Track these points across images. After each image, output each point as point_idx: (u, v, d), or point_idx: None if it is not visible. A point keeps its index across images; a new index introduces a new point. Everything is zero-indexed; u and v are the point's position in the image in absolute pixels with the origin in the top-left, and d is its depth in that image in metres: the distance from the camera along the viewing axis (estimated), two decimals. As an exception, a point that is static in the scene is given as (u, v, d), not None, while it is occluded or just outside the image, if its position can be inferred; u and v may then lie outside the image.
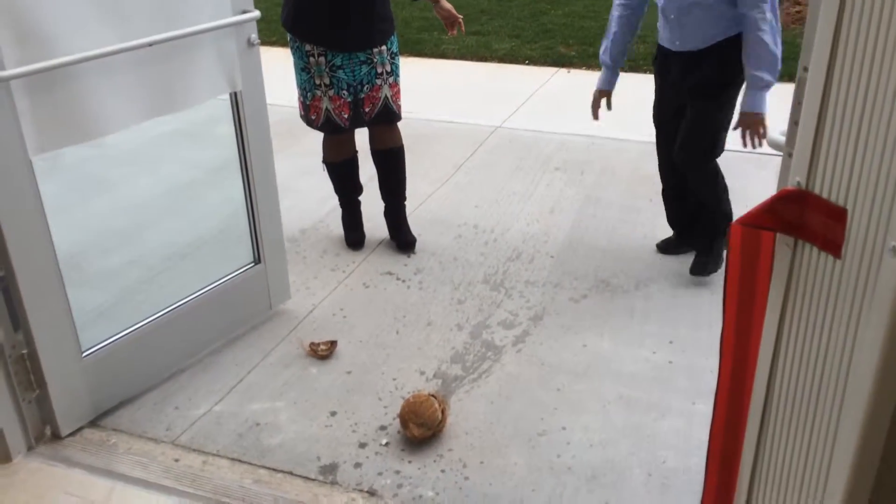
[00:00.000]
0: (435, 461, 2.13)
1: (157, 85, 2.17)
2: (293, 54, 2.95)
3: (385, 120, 3.04)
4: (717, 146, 2.82)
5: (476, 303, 2.88)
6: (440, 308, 2.85)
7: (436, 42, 6.39)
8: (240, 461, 2.14)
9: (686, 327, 2.70)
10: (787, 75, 5.29)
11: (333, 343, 2.60)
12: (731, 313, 1.24)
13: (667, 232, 3.25)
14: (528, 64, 5.95)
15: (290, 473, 2.09)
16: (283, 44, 6.35)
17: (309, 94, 2.96)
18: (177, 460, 2.14)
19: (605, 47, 3.00)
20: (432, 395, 2.21)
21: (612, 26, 2.96)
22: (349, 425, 2.27)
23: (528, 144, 4.39)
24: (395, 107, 3.03)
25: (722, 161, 2.89)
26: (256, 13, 2.36)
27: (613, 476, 2.07)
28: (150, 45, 2.08)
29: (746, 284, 1.21)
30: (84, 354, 2.21)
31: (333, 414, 2.32)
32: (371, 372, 2.50)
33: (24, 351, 2.09)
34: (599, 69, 3.09)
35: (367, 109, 2.98)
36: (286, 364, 2.54)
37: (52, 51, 1.89)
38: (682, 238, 3.17)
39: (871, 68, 1.01)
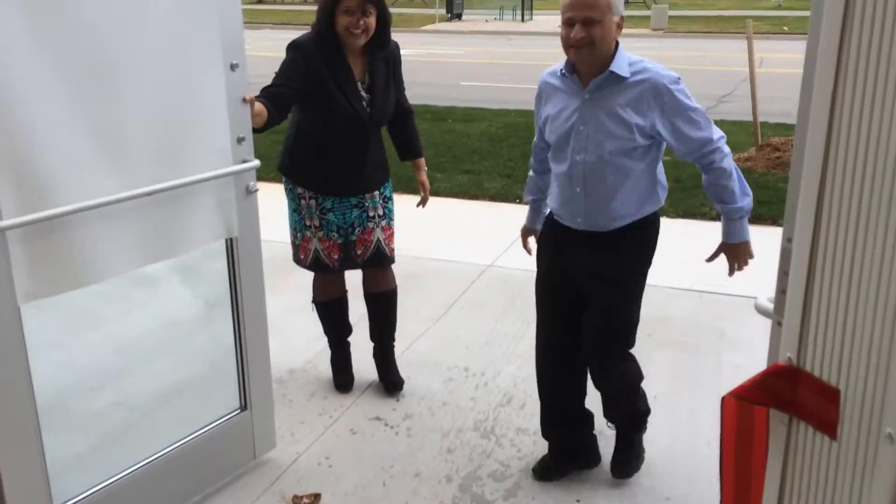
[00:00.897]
0: None
1: (154, 231, 2.19)
2: (286, 195, 3.03)
3: (377, 263, 3.07)
4: (633, 337, 2.53)
5: (466, 452, 2.80)
6: (428, 457, 2.76)
7: (432, 179, 6.59)
8: None
9: (684, 484, 2.62)
10: (770, 218, 5.45)
11: (317, 496, 2.50)
12: (729, 490, 1.20)
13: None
14: (518, 203, 6.10)
15: None
16: (278, 180, 6.54)
17: (299, 234, 3.01)
18: None
19: (528, 188, 2.71)
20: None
21: (533, 163, 2.64)
22: (330, 588, 2.14)
23: (520, 284, 4.43)
24: (387, 250, 3.07)
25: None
26: (256, 163, 2.42)
27: None
28: (149, 193, 2.12)
29: (743, 460, 1.18)
30: (55, 508, 2.11)
31: (314, 575, 2.19)
32: (355, 527, 2.39)
33: (-7, 503, 1.99)
34: None
35: (359, 252, 3.02)
36: (267, 517, 2.43)
37: (50, 199, 1.90)
38: (572, 457, 2.68)
39: (855, 238, 1.02)
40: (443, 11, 26.21)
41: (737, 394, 1.16)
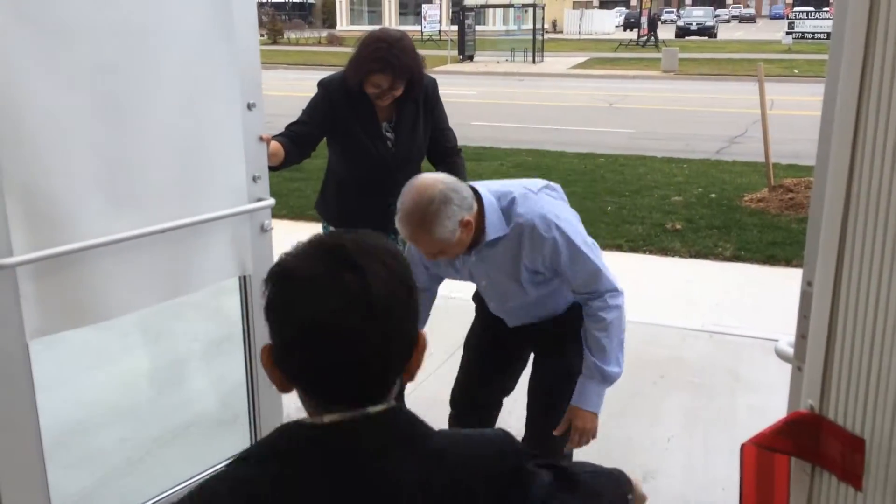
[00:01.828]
0: None
1: (167, 268, 2.19)
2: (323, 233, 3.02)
3: None
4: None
5: (477, 494, 2.75)
6: (439, 499, 2.71)
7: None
8: None
9: (698, 528, 2.56)
10: (783, 259, 5.42)
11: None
12: (751, 541, 1.17)
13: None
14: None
15: None
16: (293, 217, 6.58)
17: None
18: None
19: None
20: None
21: None
22: None
23: (531, 323, 4.40)
24: None
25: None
26: (271, 201, 2.42)
27: None
28: (163, 231, 2.12)
29: (764, 510, 1.15)
30: (59, 547, 2.08)
31: None
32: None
33: (-3, 541, 1.96)
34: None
35: None
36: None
37: (62, 235, 1.89)
38: None
39: (879, 282, 1.01)
40: (455, 53, 26.59)
41: (757, 441, 1.14)
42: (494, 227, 2.06)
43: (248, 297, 2.47)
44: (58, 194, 1.89)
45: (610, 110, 14.60)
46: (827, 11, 27.72)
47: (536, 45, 27.01)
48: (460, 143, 3.11)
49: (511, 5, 29.78)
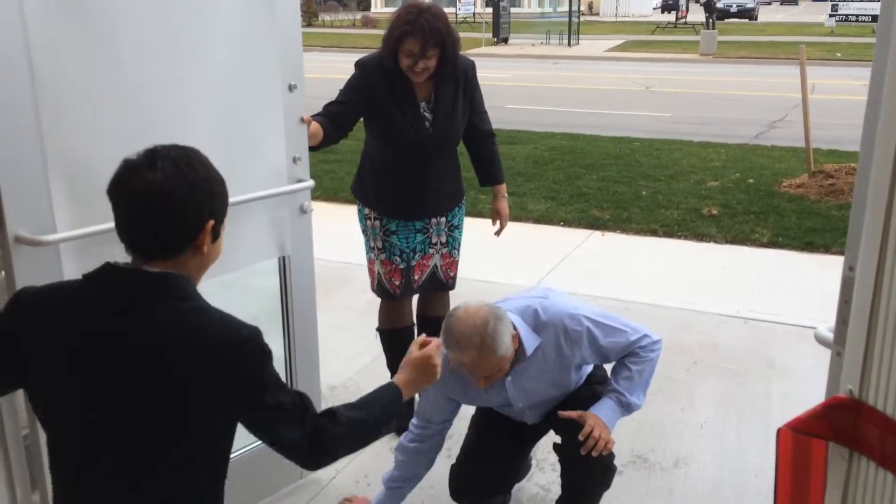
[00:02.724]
0: None
1: (207, 247, 2.23)
2: (358, 216, 3.00)
3: (432, 287, 3.02)
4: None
5: (508, 474, 2.77)
6: (471, 479, 2.74)
7: (472, 202, 6.60)
8: None
9: (730, 513, 2.56)
10: (822, 246, 5.34)
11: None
12: (785, 524, 1.17)
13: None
14: (562, 225, 6.08)
15: None
16: (326, 198, 6.63)
17: (367, 256, 2.99)
18: None
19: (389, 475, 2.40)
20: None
21: (399, 456, 2.40)
22: None
23: (563, 307, 4.40)
24: (443, 276, 3.01)
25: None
26: (311, 182, 2.44)
27: None
28: (205, 210, 2.16)
29: (799, 495, 1.15)
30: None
31: None
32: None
33: (44, 509, 2.04)
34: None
35: (416, 276, 2.97)
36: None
37: (104, 214, 1.94)
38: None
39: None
40: (489, 35, 26.41)
41: (794, 426, 1.14)
42: (528, 340, 2.15)
43: (287, 278, 2.51)
44: (100, 174, 1.91)
45: (646, 94, 14.41)
46: (873, -7, 26.80)
47: (572, 28, 26.70)
48: (494, 126, 3.10)
49: (546, -13, 29.41)
